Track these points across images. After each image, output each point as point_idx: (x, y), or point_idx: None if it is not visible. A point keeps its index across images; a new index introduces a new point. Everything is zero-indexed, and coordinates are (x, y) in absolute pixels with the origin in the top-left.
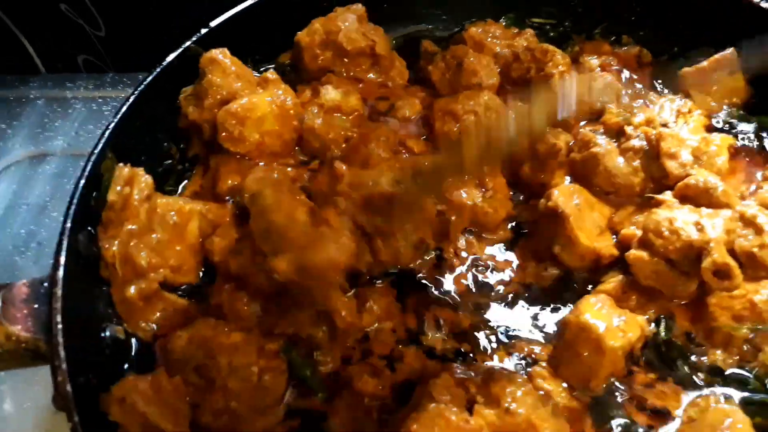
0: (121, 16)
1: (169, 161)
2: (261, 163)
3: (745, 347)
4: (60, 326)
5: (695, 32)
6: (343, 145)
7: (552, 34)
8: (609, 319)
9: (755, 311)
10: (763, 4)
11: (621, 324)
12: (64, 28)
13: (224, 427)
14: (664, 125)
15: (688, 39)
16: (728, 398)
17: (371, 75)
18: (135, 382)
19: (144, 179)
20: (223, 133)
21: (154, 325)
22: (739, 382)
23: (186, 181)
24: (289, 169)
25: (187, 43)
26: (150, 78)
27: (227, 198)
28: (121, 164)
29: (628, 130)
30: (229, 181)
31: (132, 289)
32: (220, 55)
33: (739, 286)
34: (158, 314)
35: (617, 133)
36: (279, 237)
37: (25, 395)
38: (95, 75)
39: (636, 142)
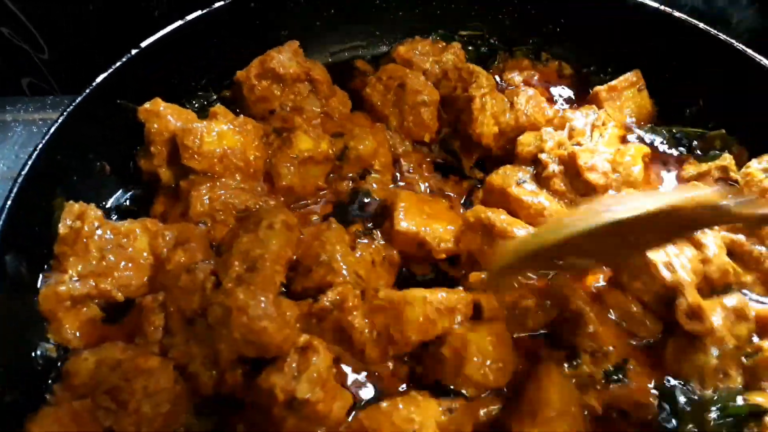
0: (63, 38)
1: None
2: (230, 181)
3: None
4: None
5: (611, 49)
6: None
7: (482, 48)
8: None
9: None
10: (676, 14)
11: None
12: (7, 52)
13: None
14: (577, 144)
15: (604, 56)
16: None
17: (314, 106)
18: (53, 412)
19: (94, 213)
20: (185, 153)
21: (77, 332)
22: None
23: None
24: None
25: (117, 64)
26: (78, 100)
27: (199, 222)
28: (71, 201)
29: (542, 157)
30: (199, 206)
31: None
32: (152, 104)
33: (711, 330)
34: (78, 323)
35: (533, 162)
36: None
37: None
38: (37, 97)
39: (554, 167)
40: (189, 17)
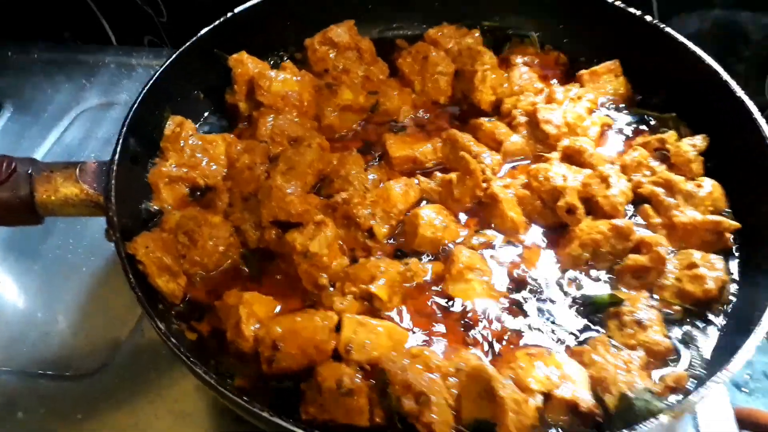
0: (180, 6)
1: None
2: (288, 116)
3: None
4: (113, 186)
5: (599, 45)
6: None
7: (497, 34)
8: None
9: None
10: (648, 18)
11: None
12: (135, 14)
13: (195, 273)
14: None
15: (594, 49)
16: None
17: (358, 70)
18: (150, 235)
19: (189, 124)
20: (258, 91)
21: (171, 201)
22: None
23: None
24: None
25: (216, 23)
26: (186, 45)
27: (262, 141)
28: (173, 115)
29: (514, 111)
30: (263, 130)
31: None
32: (239, 55)
33: (580, 221)
34: (173, 195)
35: (507, 115)
36: None
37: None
38: (155, 49)
39: (521, 119)
40: None
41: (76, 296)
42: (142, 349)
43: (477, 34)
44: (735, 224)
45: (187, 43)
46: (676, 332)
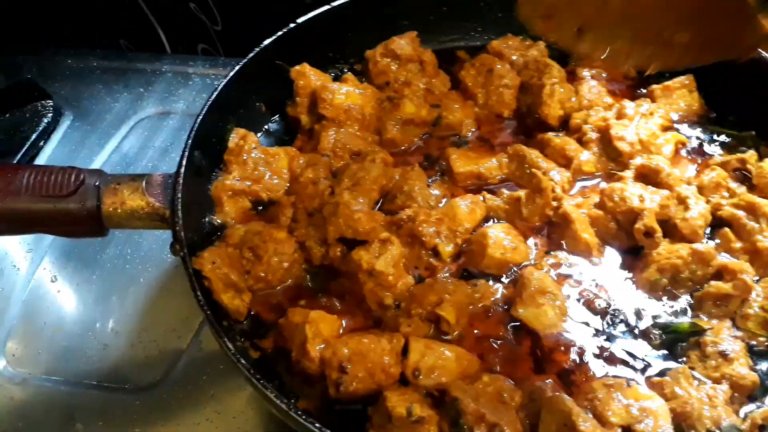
0: (235, 14)
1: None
2: (350, 129)
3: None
4: (180, 199)
5: None
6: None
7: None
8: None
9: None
10: None
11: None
12: (191, 22)
13: (259, 289)
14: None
15: None
16: None
17: (420, 82)
18: (216, 250)
19: (252, 137)
20: (321, 104)
21: (233, 215)
22: None
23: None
24: None
25: (279, 33)
26: (249, 56)
27: (324, 155)
28: (237, 128)
29: (585, 127)
30: (326, 143)
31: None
32: (301, 67)
33: (658, 245)
34: (235, 209)
35: (576, 130)
36: None
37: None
38: (211, 58)
39: (592, 135)
40: (334, 3)
41: (133, 307)
42: (201, 362)
43: (543, 46)
44: None
45: (250, 55)
46: (763, 366)
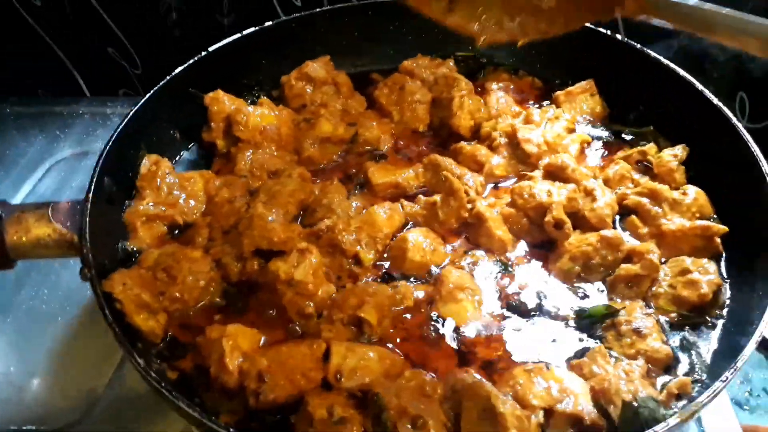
0: (155, 57)
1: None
2: (267, 150)
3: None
4: (88, 224)
5: (573, 67)
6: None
7: (471, 63)
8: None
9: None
10: (619, 37)
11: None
12: (110, 67)
13: (175, 309)
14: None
15: (568, 71)
16: None
17: (336, 104)
18: (128, 272)
19: (165, 163)
20: (236, 126)
21: (148, 241)
22: None
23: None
24: None
25: (191, 61)
26: (160, 84)
27: (241, 176)
28: (149, 154)
29: (494, 134)
30: (242, 164)
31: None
32: (215, 94)
33: (568, 236)
34: (150, 234)
35: (487, 138)
36: None
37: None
38: (130, 97)
39: (501, 140)
40: (245, 32)
41: (51, 348)
42: (122, 400)
43: (451, 64)
44: (723, 228)
45: (161, 83)
46: (675, 339)
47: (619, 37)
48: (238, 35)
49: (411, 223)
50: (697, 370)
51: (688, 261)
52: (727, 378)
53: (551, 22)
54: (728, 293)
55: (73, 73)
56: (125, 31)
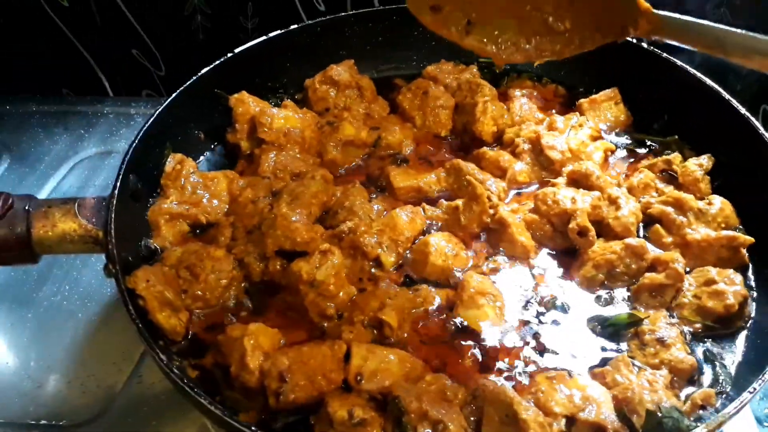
0: (179, 59)
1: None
2: (290, 152)
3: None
4: (113, 219)
5: (597, 75)
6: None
7: (494, 70)
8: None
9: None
10: (645, 45)
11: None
12: (134, 68)
13: (197, 308)
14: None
15: (592, 79)
16: None
17: (359, 108)
18: (151, 269)
19: (189, 162)
20: (260, 128)
21: (171, 239)
22: None
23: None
24: None
25: (216, 62)
26: (186, 84)
27: (264, 177)
28: (174, 153)
29: (517, 140)
30: (266, 166)
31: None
32: (240, 95)
33: (592, 244)
34: (173, 232)
35: (510, 144)
36: None
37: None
38: (153, 99)
39: (524, 146)
40: (271, 34)
41: (71, 344)
42: (140, 396)
43: (475, 70)
44: (749, 239)
45: (188, 83)
46: (699, 350)
47: (644, 45)
48: (264, 38)
49: (431, 227)
50: (721, 381)
51: (713, 271)
52: (755, 389)
53: (566, 43)
54: (753, 305)
55: (97, 73)
56: (150, 32)
